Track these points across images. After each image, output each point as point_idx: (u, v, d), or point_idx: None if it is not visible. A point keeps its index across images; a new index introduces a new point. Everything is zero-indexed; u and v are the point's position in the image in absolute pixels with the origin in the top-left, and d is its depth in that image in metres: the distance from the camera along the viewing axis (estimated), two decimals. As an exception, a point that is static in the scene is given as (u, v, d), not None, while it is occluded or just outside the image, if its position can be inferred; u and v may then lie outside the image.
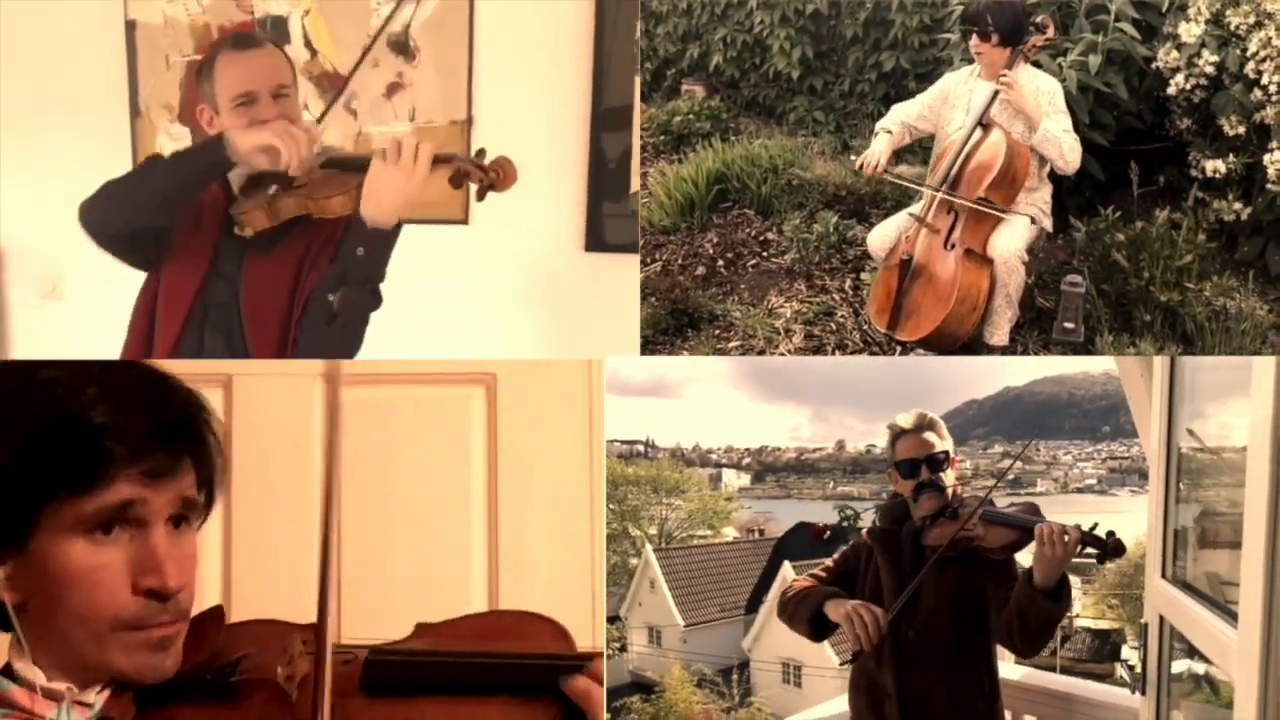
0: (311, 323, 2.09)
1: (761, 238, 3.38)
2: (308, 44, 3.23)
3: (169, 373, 1.16)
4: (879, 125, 2.82)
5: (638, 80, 3.22)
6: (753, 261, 3.30)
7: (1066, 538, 1.92)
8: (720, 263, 3.29)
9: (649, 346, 2.97)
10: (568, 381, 2.15)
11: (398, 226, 2.06)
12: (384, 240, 2.05)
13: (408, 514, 2.13)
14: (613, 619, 11.73)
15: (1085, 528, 1.96)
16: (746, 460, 31.04)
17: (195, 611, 1.19)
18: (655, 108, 4.05)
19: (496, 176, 2.07)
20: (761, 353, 2.92)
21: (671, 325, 3.02)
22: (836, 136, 3.73)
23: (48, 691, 1.09)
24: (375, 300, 2.11)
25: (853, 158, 2.93)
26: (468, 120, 3.19)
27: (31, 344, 3.29)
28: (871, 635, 2.04)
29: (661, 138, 3.93)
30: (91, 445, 1.06)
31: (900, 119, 2.79)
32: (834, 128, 3.79)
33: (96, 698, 1.12)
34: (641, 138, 3.84)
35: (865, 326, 2.89)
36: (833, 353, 2.90)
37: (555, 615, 2.20)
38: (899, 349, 2.76)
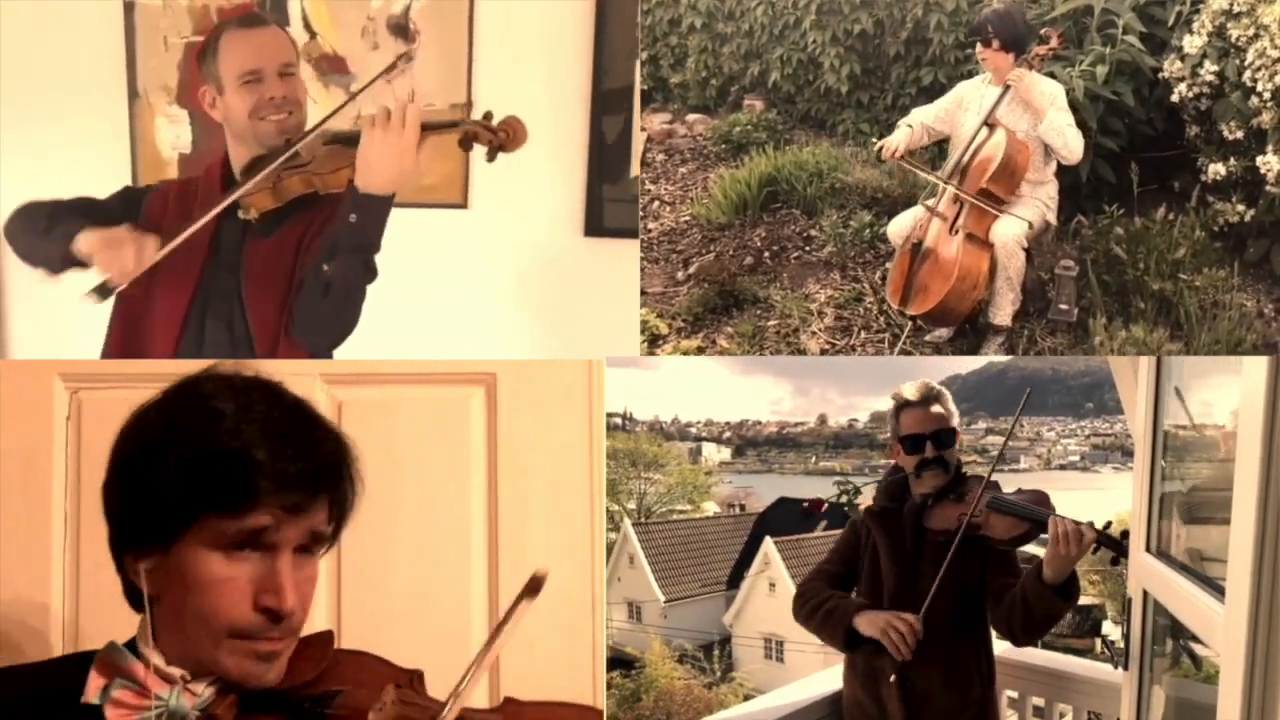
0: (307, 296, 2.06)
1: (805, 234, 3.68)
2: (307, 26, 3.16)
3: (324, 419, 1.26)
4: (901, 121, 3.06)
5: (638, 65, 3.20)
6: (795, 254, 3.61)
7: (1082, 538, 1.93)
8: (766, 254, 3.61)
9: (697, 323, 3.28)
10: (568, 381, 2.11)
11: (391, 195, 2.02)
12: (376, 207, 2.01)
13: (408, 514, 2.12)
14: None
15: (1099, 526, 1.96)
16: (726, 434, 30.52)
17: (306, 632, 1.28)
18: (718, 119, 4.46)
19: (506, 136, 2.05)
20: (796, 331, 3.21)
21: (719, 305, 3.34)
22: (878, 146, 4.02)
23: (163, 673, 1.22)
24: (370, 273, 2.07)
25: (876, 143, 3.22)
26: (468, 103, 3.13)
27: (30, 328, 3.23)
28: (910, 644, 2.06)
29: (723, 146, 4.27)
30: (246, 478, 1.16)
31: (920, 119, 3.02)
32: (878, 137, 4.05)
33: (205, 690, 1.22)
34: (705, 146, 4.31)
35: (887, 309, 3.17)
36: (859, 332, 3.17)
37: (555, 615, 2.20)
38: (910, 323, 3.01)
